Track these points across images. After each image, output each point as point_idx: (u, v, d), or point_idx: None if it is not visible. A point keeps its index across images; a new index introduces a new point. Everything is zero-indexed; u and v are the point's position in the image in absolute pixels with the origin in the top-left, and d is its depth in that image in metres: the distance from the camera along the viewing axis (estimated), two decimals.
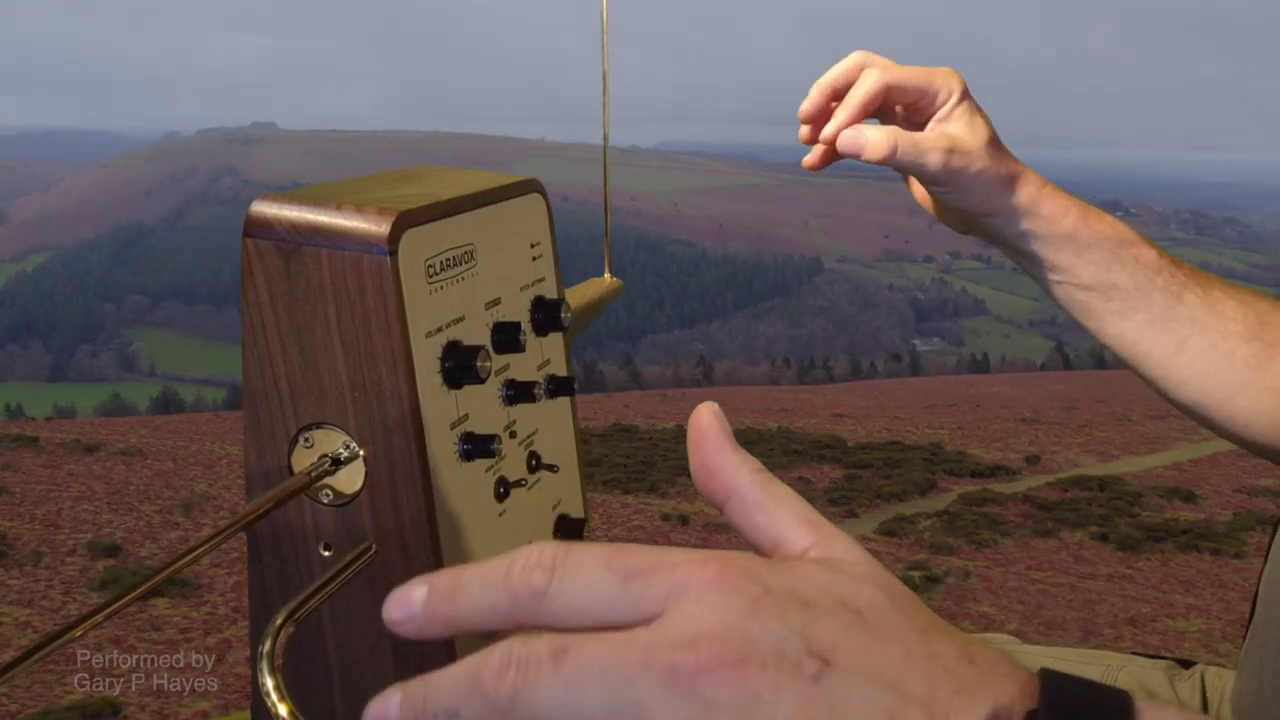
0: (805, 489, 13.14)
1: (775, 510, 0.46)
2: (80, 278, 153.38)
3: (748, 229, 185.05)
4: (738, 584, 0.40)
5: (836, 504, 12.89)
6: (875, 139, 1.01)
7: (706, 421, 0.48)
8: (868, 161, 1.02)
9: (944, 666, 0.40)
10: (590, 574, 0.42)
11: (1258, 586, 1.07)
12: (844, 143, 1.03)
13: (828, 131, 1.05)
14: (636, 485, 13.78)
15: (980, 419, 21.01)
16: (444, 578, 0.44)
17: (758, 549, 0.46)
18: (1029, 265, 1.11)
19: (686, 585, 0.41)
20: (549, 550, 0.43)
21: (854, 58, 1.05)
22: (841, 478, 14.58)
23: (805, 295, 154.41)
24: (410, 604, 0.44)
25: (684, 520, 12.59)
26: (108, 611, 0.67)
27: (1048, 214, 1.06)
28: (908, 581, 9.64)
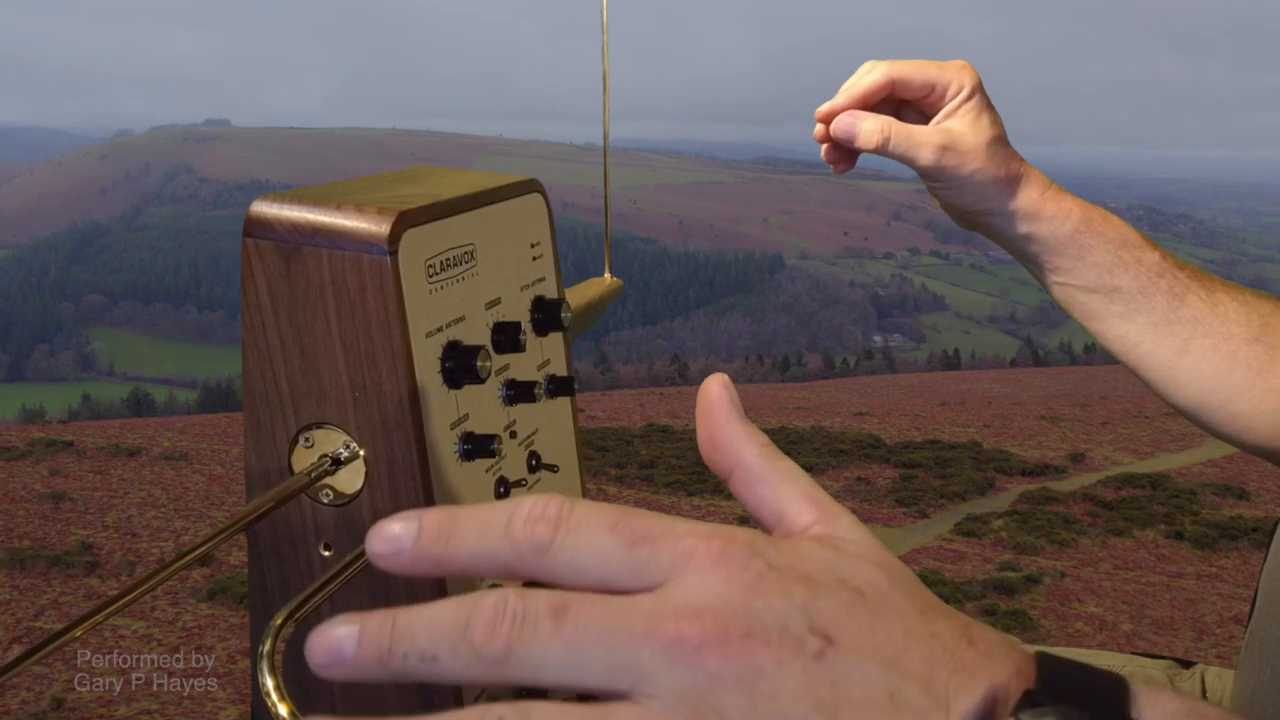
0: (867, 490, 12.83)
1: (780, 485, 0.46)
2: (36, 276, 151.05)
3: (708, 226, 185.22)
4: (742, 559, 0.41)
5: (904, 504, 12.61)
6: (868, 128, 1.02)
7: (716, 393, 0.48)
8: (861, 149, 1.03)
9: (943, 646, 0.41)
10: (596, 535, 0.42)
11: (1257, 585, 1.07)
12: (837, 128, 1.04)
13: (821, 111, 1.06)
14: (699, 487, 13.60)
15: (999, 416, 20.89)
16: (436, 517, 0.43)
17: (760, 522, 0.47)
18: (1030, 266, 1.11)
19: (691, 556, 0.41)
20: (553, 504, 0.42)
21: (865, 66, 1.06)
22: (898, 478, 14.39)
23: (767, 292, 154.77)
24: (398, 539, 0.43)
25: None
26: (108, 611, 0.67)
27: (1049, 216, 1.06)
28: (1004, 584, 9.53)
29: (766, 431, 0.48)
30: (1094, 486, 13.98)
